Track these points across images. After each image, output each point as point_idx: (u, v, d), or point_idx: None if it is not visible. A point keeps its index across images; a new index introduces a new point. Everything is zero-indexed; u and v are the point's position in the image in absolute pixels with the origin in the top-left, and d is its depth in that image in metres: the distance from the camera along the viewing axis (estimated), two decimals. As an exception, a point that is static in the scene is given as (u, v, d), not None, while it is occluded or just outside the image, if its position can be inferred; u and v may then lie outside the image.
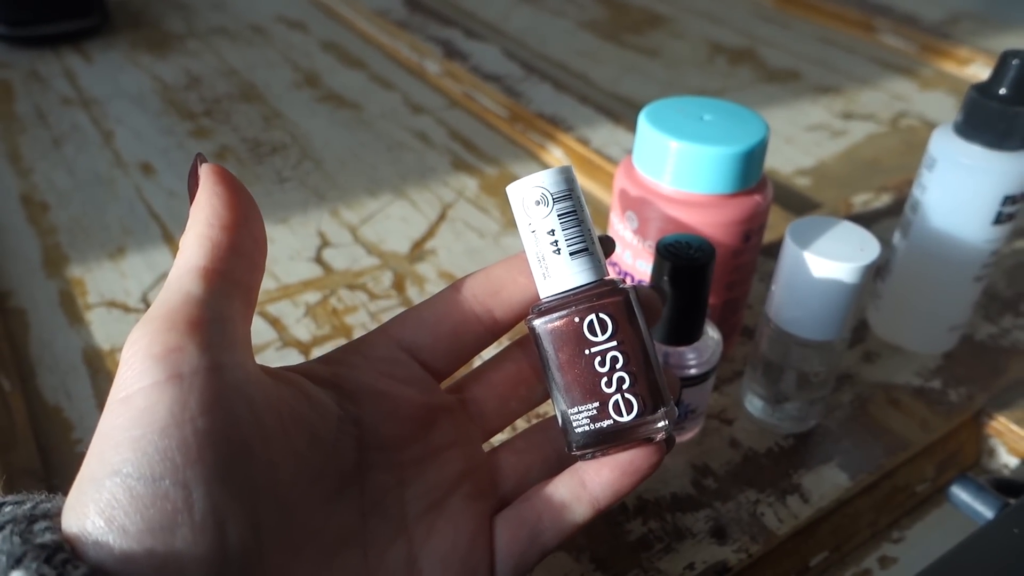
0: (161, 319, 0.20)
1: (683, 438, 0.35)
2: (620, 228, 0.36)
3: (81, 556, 0.18)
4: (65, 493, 0.20)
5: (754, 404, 0.37)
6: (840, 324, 0.33)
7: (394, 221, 0.51)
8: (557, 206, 0.23)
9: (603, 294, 0.23)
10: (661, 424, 0.23)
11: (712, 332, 0.33)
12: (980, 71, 0.76)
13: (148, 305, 0.43)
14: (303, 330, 0.42)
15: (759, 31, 0.85)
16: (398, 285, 0.46)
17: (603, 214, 0.53)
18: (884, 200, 0.55)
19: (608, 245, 0.26)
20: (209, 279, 0.21)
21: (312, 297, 0.44)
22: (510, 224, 0.51)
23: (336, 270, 0.47)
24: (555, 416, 0.26)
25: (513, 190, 0.24)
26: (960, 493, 0.32)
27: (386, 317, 0.43)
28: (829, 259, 0.31)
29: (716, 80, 0.73)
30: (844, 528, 0.34)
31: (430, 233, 0.50)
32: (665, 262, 0.30)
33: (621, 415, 0.23)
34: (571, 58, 0.76)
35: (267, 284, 0.45)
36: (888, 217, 0.53)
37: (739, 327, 0.40)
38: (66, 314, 0.42)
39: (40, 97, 0.64)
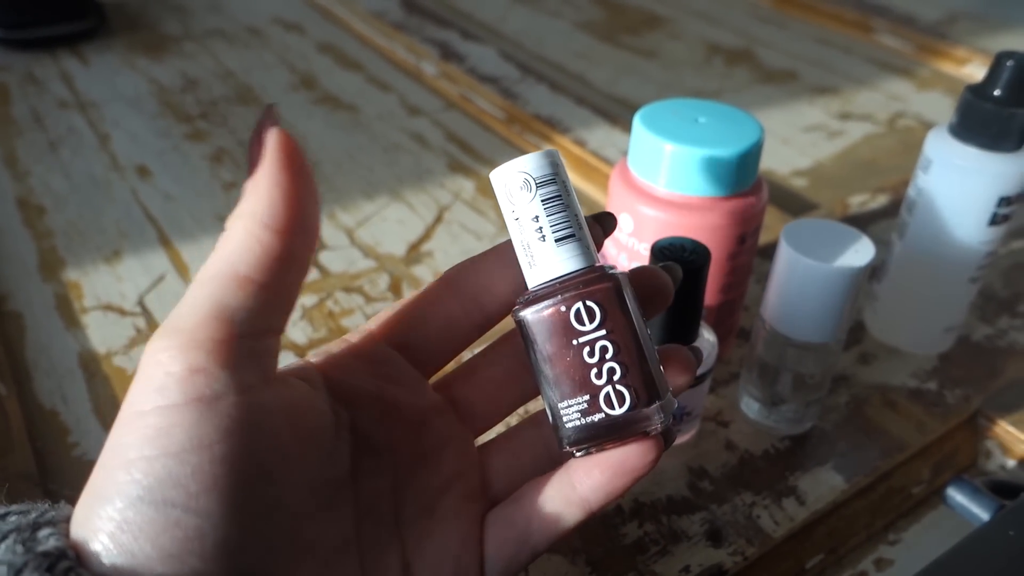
0: (187, 334, 0.19)
1: (679, 440, 0.35)
2: (615, 231, 0.36)
3: (86, 566, 0.18)
4: (62, 497, 0.19)
5: (750, 406, 0.37)
6: (836, 326, 0.33)
7: (390, 223, 0.51)
8: (540, 191, 0.22)
9: (590, 280, 0.22)
10: (657, 417, 0.22)
11: (708, 334, 0.33)
12: (977, 71, 0.76)
13: (144, 309, 0.43)
14: (299, 333, 0.42)
15: (756, 32, 0.85)
16: (395, 288, 0.46)
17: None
18: (881, 201, 0.55)
19: (608, 222, 0.24)
20: (247, 291, 0.19)
21: (308, 300, 0.44)
22: (507, 226, 0.51)
23: (333, 273, 0.47)
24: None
25: (496, 177, 0.23)
26: (956, 495, 0.32)
27: (382, 320, 0.43)
28: (824, 261, 0.31)
29: (713, 81, 0.73)
30: (840, 530, 0.34)
31: (426, 235, 0.50)
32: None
33: (613, 408, 0.22)
34: (568, 59, 0.76)
35: (263, 287, 0.45)
36: (885, 218, 0.53)
37: (735, 329, 0.40)
38: (62, 318, 0.42)
39: (36, 100, 0.64)
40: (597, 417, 0.22)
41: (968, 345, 0.42)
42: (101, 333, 0.42)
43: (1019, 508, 0.29)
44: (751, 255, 0.37)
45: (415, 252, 0.49)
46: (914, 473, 0.36)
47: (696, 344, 0.32)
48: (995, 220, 0.37)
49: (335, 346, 0.25)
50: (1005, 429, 0.37)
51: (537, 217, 0.22)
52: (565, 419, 0.22)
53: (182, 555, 0.18)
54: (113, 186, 0.54)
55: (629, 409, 0.22)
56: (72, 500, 0.20)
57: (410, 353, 0.25)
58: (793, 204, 0.55)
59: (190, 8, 0.85)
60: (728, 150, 0.33)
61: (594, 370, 0.22)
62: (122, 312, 0.43)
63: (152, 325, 0.42)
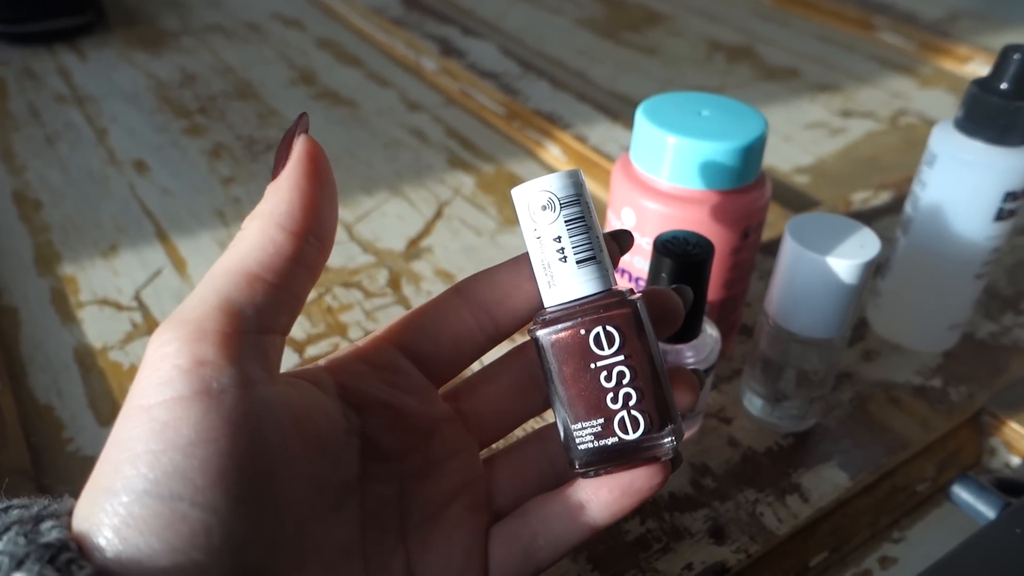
0: (193, 325, 0.19)
1: (683, 438, 0.35)
2: (617, 225, 0.36)
3: (88, 558, 0.17)
4: (56, 492, 0.19)
5: (753, 403, 0.36)
6: (840, 322, 0.32)
7: (390, 219, 0.51)
8: (564, 212, 0.22)
9: (611, 305, 0.22)
10: (667, 441, 0.22)
11: (711, 330, 0.33)
12: (979, 68, 0.76)
13: (141, 304, 0.43)
14: (297, 328, 0.42)
15: (758, 29, 0.84)
16: (394, 283, 0.45)
17: (601, 211, 0.52)
18: (883, 198, 0.55)
19: (625, 240, 0.25)
20: (256, 288, 0.20)
21: (307, 295, 0.44)
22: (507, 222, 0.51)
23: (331, 268, 0.46)
24: (553, 424, 0.26)
25: (518, 194, 0.23)
26: (961, 492, 0.32)
27: (381, 315, 0.43)
28: (829, 256, 0.31)
29: (714, 78, 0.73)
30: (844, 528, 0.33)
31: (426, 231, 0.50)
32: (663, 259, 0.29)
33: (627, 432, 0.22)
34: (569, 55, 0.76)
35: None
36: (887, 215, 0.53)
37: (738, 325, 0.40)
38: (58, 312, 0.42)
39: (34, 94, 0.64)
40: (611, 441, 0.22)
41: (972, 342, 0.42)
42: (97, 328, 0.41)
43: (1026, 506, 0.29)
44: (754, 250, 0.36)
45: (414, 248, 0.48)
46: (918, 471, 0.36)
47: (699, 340, 0.32)
48: (1001, 215, 0.36)
49: (347, 352, 0.25)
50: (1010, 426, 0.37)
51: (559, 238, 0.22)
52: (578, 440, 0.22)
53: (187, 549, 0.18)
54: (110, 181, 0.53)
55: (643, 434, 0.22)
56: (64, 494, 0.20)
57: (421, 362, 0.25)
58: (795, 201, 0.55)
59: (188, 3, 0.84)
60: (732, 143, 0.32)
61: (610, 395, 0.22)
62: (118, 307, 0.43)
63: (149, 320, 0.42)
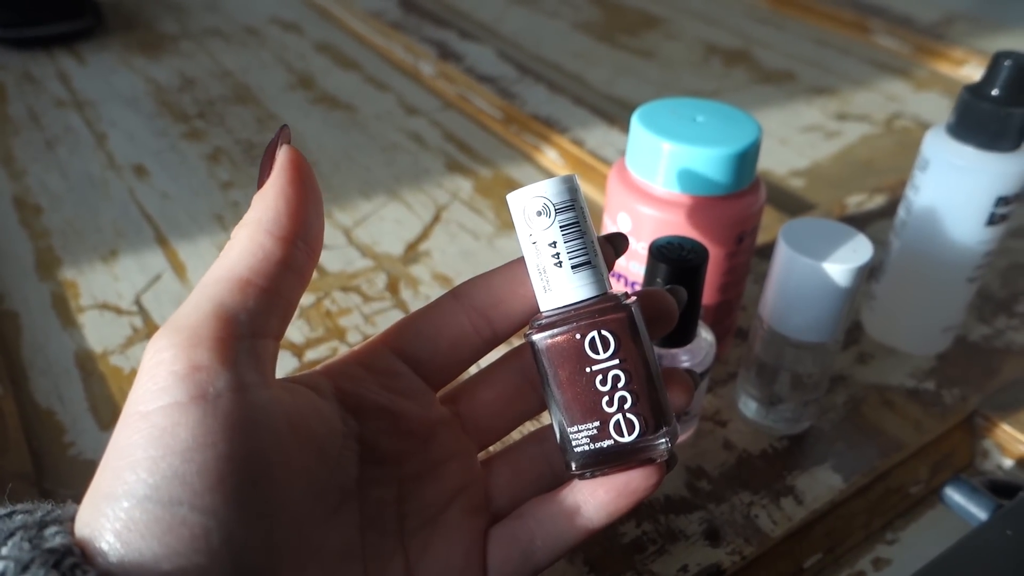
0: (188, 332, 0.19)
1: (677, 440, 0.35)
2: (613, 230, 0.36)
3: (91, 563, 0.18)
4: (57, 496, 0.19)
5: (748, 406, 0.37)
6: (834, 325, 0.33)
7: (388, 223, 0.51)
8: (559, 217, 0.22)
9: (606, 310, 0.22)
10: (662, 443, 0.22)
11: (706, 334, 0.33)
12: (974, 72, 0.76)
13: (141, 308, 0.43)
14: (296, 332, 0.42)
15: (754, 32, 0.85)
16: (392, 287, 0.46)
17: (597, 216, 0.53)
18: (878, 201, 0.55)
19: (620, 243, 0.25)
20: (248, 293, 0.20)
21: (305, 299, 0.44)
22: (504, 226, 0.51)
23: (330, 272, 0.47)
24: (550, 426, 0.26)
25: (514, 199, 0.23)
26: (954, 495, 0.32)
27: (380, 319, 0.43)
28: (822, 261, 0.31)
29: (711, 81, 0.73)
30: (838, 530, 0.34)
31: (424, 235, 0.50)
32: (658, 264, 0.30)
33: (622, 435, 0.22)
34: (566, 59, 0.76)
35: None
36: (882, 218, 0.53)
37: (733, 329, 0.40)
38: (59, 317, 0.42)
39: (33, 99, 0.64)
40: (606, 443, 0.22)
41: (966, 345, 0.42)
42: (98, 332, 0.41)
43: (1017, 508, 0.29)
44: (749, 255, 0.37)
45: (413, 252, 0.49)
46: (912, 473, 0.36)
47: (694, 343, 0.32)
48: (993, 220, 0.37)
49: (344, 357, 0.25)
50: (1002, 429, 0.37)
51: (555, 243, 0.22)
52: (574, 443, 0.23)
53: (188, 553, 0.18)
54: (110, 185, 0.54)
55: (638, 436, 0.22)
56: (67, 499, 0.20)
57: (418, 366, 0.25)
58: (790, 204, 0.55)
59: (187, 7, 0.85)
60: (726, 149, 0.33)
61: (606, 398, 0.22)
62: (119, 311, 0.43)
63: (149, 324, 0.42)
